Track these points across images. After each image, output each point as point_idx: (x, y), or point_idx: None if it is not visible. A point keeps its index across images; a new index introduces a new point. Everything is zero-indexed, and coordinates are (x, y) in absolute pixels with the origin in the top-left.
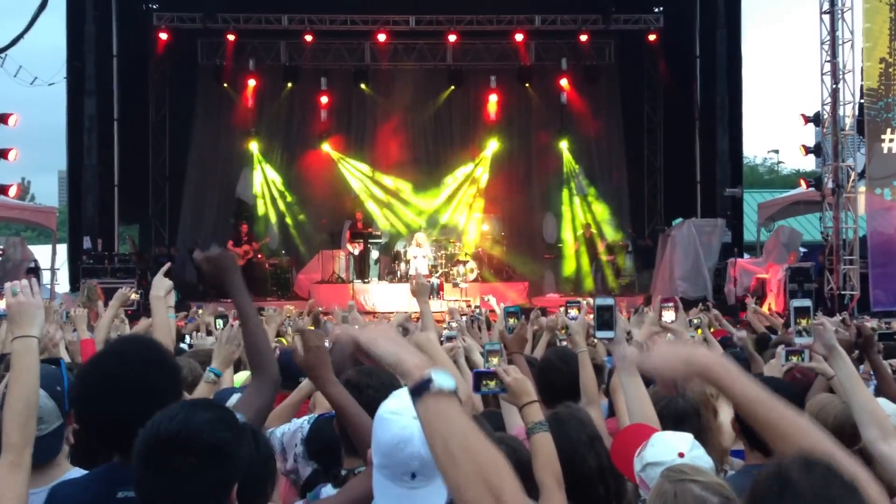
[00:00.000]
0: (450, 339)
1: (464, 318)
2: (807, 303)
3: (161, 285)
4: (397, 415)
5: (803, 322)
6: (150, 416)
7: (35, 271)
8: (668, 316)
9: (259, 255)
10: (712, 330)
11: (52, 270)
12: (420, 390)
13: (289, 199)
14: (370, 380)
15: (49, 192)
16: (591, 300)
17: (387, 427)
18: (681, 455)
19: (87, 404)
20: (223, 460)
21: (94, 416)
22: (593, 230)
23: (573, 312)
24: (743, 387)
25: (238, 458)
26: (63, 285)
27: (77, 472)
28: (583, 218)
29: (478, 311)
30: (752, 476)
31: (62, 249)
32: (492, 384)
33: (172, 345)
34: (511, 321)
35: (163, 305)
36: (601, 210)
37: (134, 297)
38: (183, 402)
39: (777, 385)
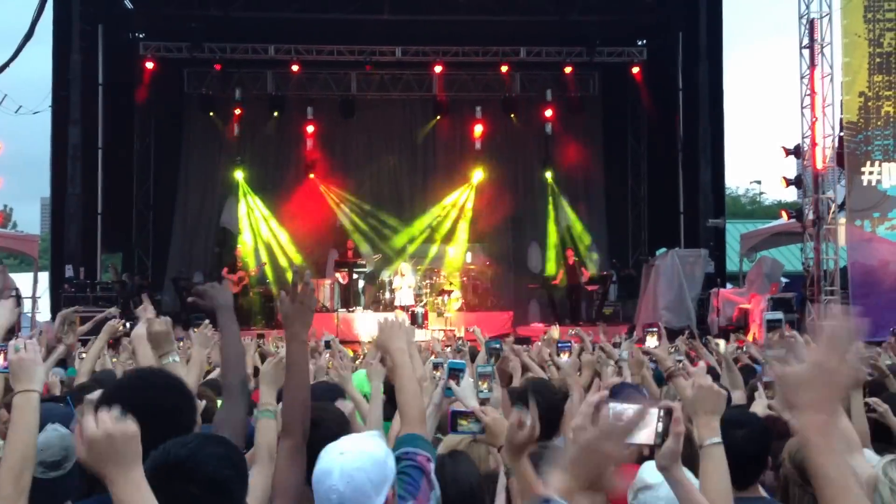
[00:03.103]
0: (436, 366)
1: (448, 349)
2: (779, 315)
3: (141, 328)
4: (327, 451)
5: (775, 335)
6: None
7: (17, 299)
8: (651, 342)
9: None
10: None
11: (34, 299)
12: None
13: (274, 228)
14: (325, 413)
15: (31, 219)
16: (584, 336)
17: (318, 461)
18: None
19: None
20: (222, 496)
21: None
22: (576, 259)
23: (565, 357)
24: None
25: (237, 498)
26: (44, 313)
27: None
28: (566, 248)
29: (460, 342)
30: None
31: (44, 277)
32: (469, 424)
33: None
34: (493, 360)
35: (144, 344)
36: (585, 240)
37: (121, 329)
38: (198, 433)
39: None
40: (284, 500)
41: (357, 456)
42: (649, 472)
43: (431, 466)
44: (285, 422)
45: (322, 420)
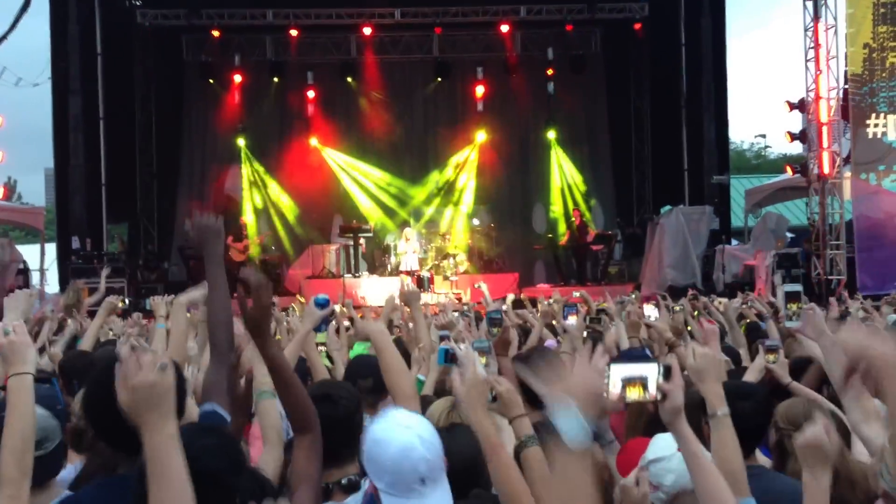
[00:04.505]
0: (442, 338)
1: (456, 313)
2: (797, 287)
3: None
4: (392, 430)
5: (793, 306)
6: None
7: (24, 272)
8: (650, 311)
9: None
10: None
11: (42, 271)
12: None
13: (277, 194)
14: (341, 391)
15: (36, 190)
16: (587, 297)
17: (387, 444)
18: (679, 450)
19: (101, 406)
20: (216, 489)
21: (107, 419)
22: (584, 218)
23: (572, 320)
24: None
25: (233, 489)
26: (52, 286)
27: (67, 494)
28: (572, 207)
29: (466, 307)
30: None
31: (51, 249)
32: None
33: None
34: (495, 330)
35: (182, 312)
36: (589, 199)
37: (121, 305)
38: (190, 424)
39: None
40: (308, 488)
41: (425, 425)
42: (660, 445)
43: None
44: (300, 420)
45: (340, 398)
